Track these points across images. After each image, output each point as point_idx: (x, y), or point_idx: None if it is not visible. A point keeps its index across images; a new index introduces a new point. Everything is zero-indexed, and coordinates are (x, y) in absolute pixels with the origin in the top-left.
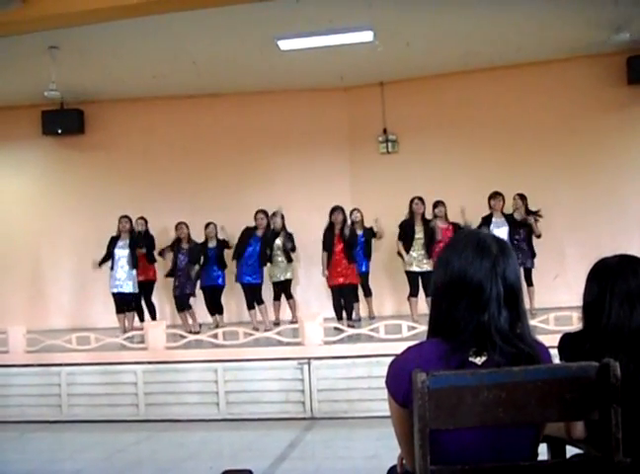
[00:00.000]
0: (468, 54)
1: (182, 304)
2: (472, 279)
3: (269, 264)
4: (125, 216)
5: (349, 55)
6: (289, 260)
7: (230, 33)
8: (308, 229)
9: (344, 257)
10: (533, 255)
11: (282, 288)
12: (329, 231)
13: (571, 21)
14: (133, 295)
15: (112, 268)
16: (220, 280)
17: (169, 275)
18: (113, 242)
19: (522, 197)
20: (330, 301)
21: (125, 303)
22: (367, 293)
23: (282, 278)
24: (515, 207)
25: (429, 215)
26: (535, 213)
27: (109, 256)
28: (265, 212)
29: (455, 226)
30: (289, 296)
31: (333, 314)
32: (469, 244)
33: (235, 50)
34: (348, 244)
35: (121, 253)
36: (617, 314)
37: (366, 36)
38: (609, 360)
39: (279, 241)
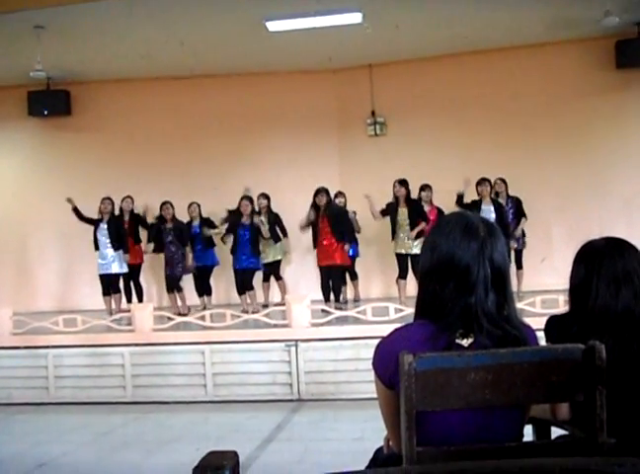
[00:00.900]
0: (457, 37)
1: (172, 285)
2: (460, 262)
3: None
4: (108, 198)
5: (337, 37)
6: (276, 240)
7: (219, 14)
8: (296, 211)
9: (331, 237)
10: (523, 234)
11: (272, 269)
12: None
13: (560, 4)
14: (121, 276)
15: (96, 249)
16: (209, 260)
17: (155, 250)
18: (96, 224)
19: (504, 180)
20: (319, 283)
21: (112, 285)
22: (353, 277)
23: (272, 259)
24: (497, 192)
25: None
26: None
27: (88, 221)
28: (249, 198)
29: (439, 210)
30: (279, 278)
31: (321, 296)
32: (457, 226)
33: (223, 32)
34: (333, 223)
35: (104, 234)
36: (604, 296)
37: (355, 17)
38: (595, 343)
39: (263, 219)
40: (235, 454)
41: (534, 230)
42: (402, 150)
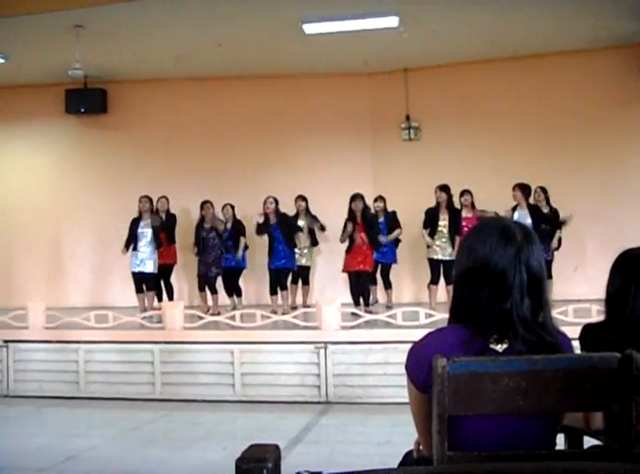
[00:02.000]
0: (493, 43)
1: (205, 285)
2: (496, 266)
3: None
4: (146, 196)
5: (373, 41)
6: (314, 243)
7: (255, 15)
8: (329, 215)
9: (364, 244)
10: (559, 245)
11: (301, 273)
12: (349, 221)
13: (598, 11)
14: (153, 275)
15: (134, 248)
16: (240, 263)
17: (198, 253)
18: (134, 223)
19: (544, 189)
20: (346, 288)
21: (145, 283)
22: (387, 286)
23: (302, 264)
24: (536, 201)
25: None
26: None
27: (132, 237)
28: (274, 198)
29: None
30: (306, 282)
31: (349, 300)
32: (494, 231)
33: (260, 33)
34: (369, 229)
35: (143, 233)
36: None
37: (392, 21)
38: (632, 352)
39: (301, 223)
40: (277, 448)
41: (567, 239)
42: (436, 155)
